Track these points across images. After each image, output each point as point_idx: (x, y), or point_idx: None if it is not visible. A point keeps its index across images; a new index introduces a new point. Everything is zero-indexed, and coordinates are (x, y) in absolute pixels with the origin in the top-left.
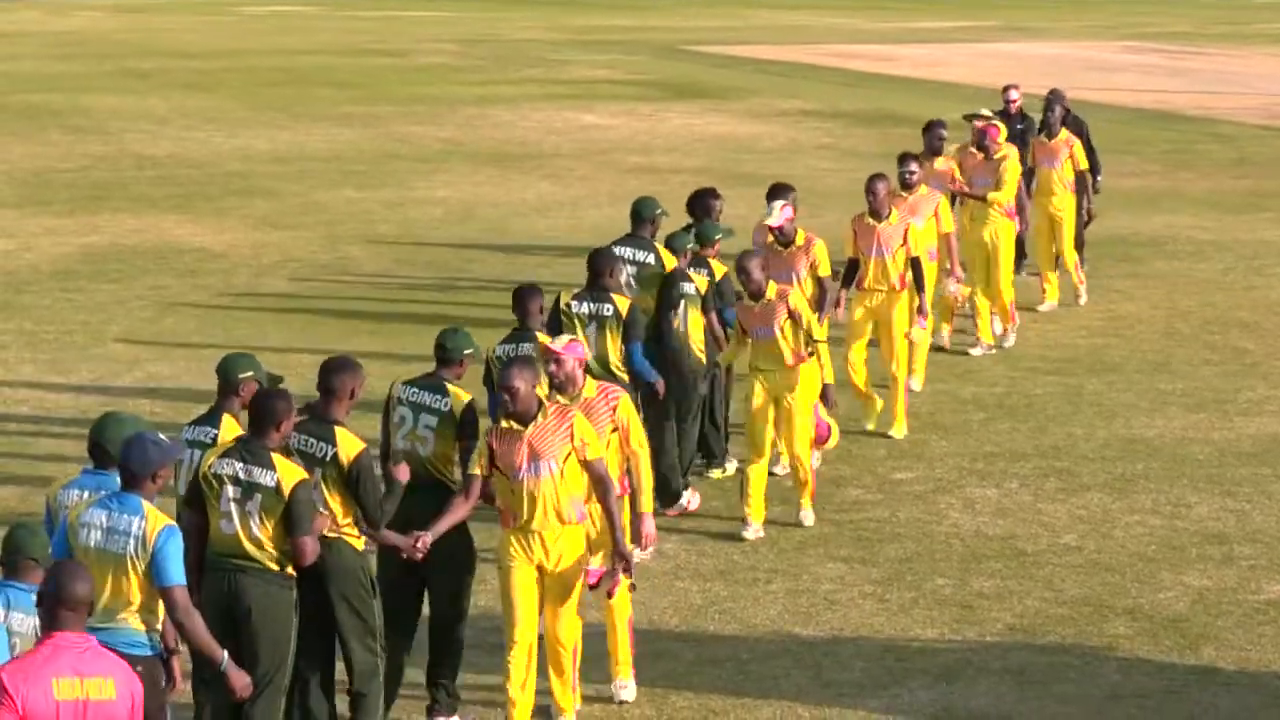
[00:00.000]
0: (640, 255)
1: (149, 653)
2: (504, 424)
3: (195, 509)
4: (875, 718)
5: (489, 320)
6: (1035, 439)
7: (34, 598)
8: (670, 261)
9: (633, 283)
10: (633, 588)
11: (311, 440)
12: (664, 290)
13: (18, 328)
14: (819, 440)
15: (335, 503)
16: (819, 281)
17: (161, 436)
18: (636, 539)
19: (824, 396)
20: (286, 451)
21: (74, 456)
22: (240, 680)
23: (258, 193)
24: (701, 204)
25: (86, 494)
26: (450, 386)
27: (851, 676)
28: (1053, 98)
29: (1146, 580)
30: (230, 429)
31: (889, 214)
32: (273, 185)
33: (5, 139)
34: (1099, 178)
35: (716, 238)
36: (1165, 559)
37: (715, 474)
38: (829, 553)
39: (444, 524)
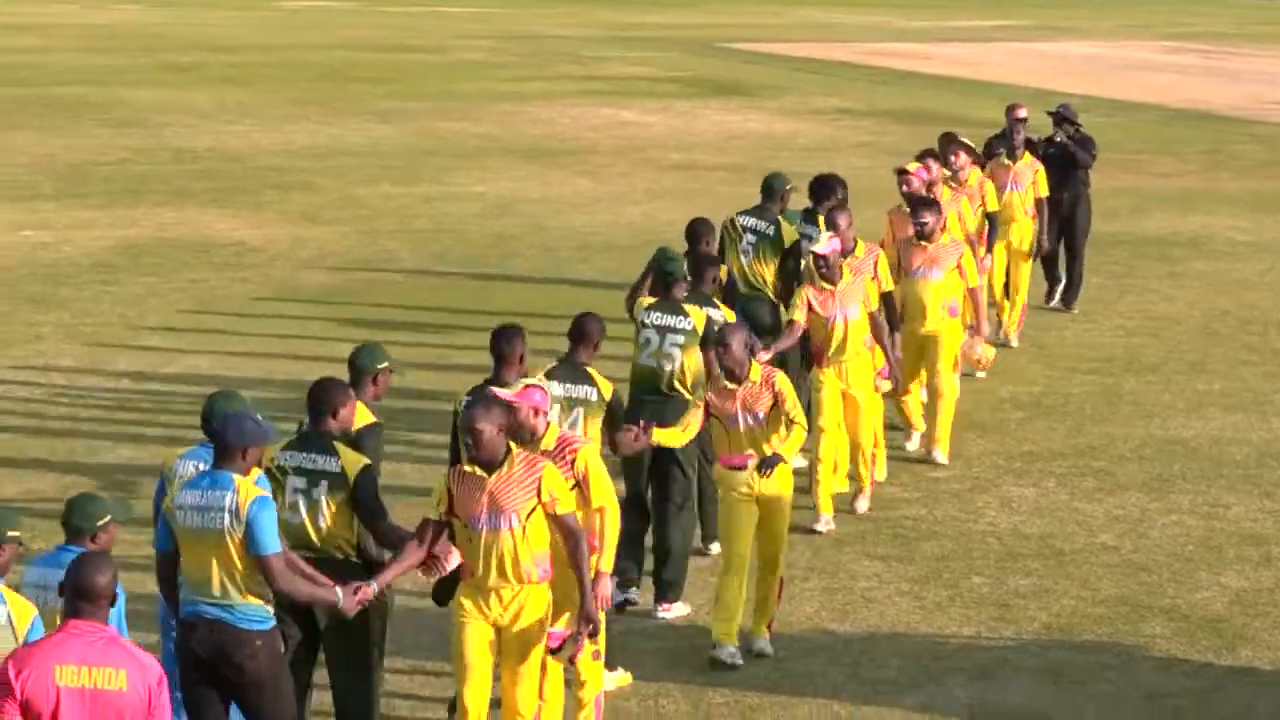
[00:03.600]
0: (762, 226)
1: (269, 625)
2: (466, 468)
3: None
4: (912, 715)
5: (527, 313)
6: (1072, 438)
7: None
8: (791, 235)
9: (750, 250)
10: (596, 655)
11: (315, 457)
12: (784, 261)
13: (56, 320)
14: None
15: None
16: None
17: (260, 418)
18: (597, 602)
19: (766, 463)
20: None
21: (110, 448)
22: (362, 594)
23: (296, 187)
24: (825, 188)
25: (201, 465)
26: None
27: (888, 674)
28: (1060, 114)
29: (1184, 580)
30: (363, 417)
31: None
32: (311, 180)
33: (44, 132)
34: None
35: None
36: (1202, 559)
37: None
38: (866, 550)
39: (391, 573)
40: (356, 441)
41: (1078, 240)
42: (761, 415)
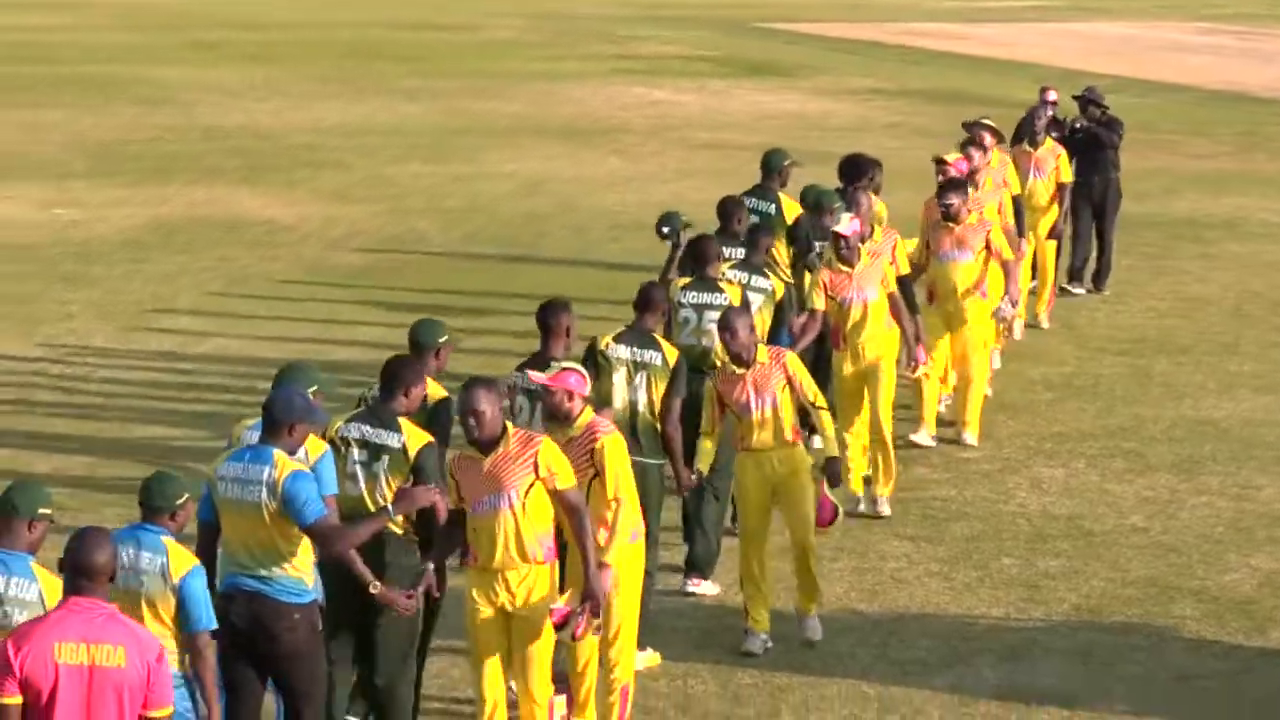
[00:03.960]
0: (764, 205)
1: (308, 599)
2: (465, 453)
3: None
4: (941, 696)
5: (558, 291)
6: (1103, 419)
7: (163, 540)
8: (793, 210)
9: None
10: (597, 630)
11: (379, 431)
12: (790, 238)
13: (87, 298)
14: (821, 522)
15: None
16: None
17: (310, 395)
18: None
19: (827, 472)
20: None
21: (141, 426)
22: (402, 602)
23: (326, 165)
24: (856, 169)
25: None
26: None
27: (917, 655)
28: (1086, 96)
29: (1213, 562)
30: (435, 391)
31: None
32: (341, 158)
33: (75, 110)
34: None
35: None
36: (1232, 541)
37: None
38: (896, 531)
39: (435, 559)
40: (431, 416)
41: (1107, 224)
42: (774, 398)
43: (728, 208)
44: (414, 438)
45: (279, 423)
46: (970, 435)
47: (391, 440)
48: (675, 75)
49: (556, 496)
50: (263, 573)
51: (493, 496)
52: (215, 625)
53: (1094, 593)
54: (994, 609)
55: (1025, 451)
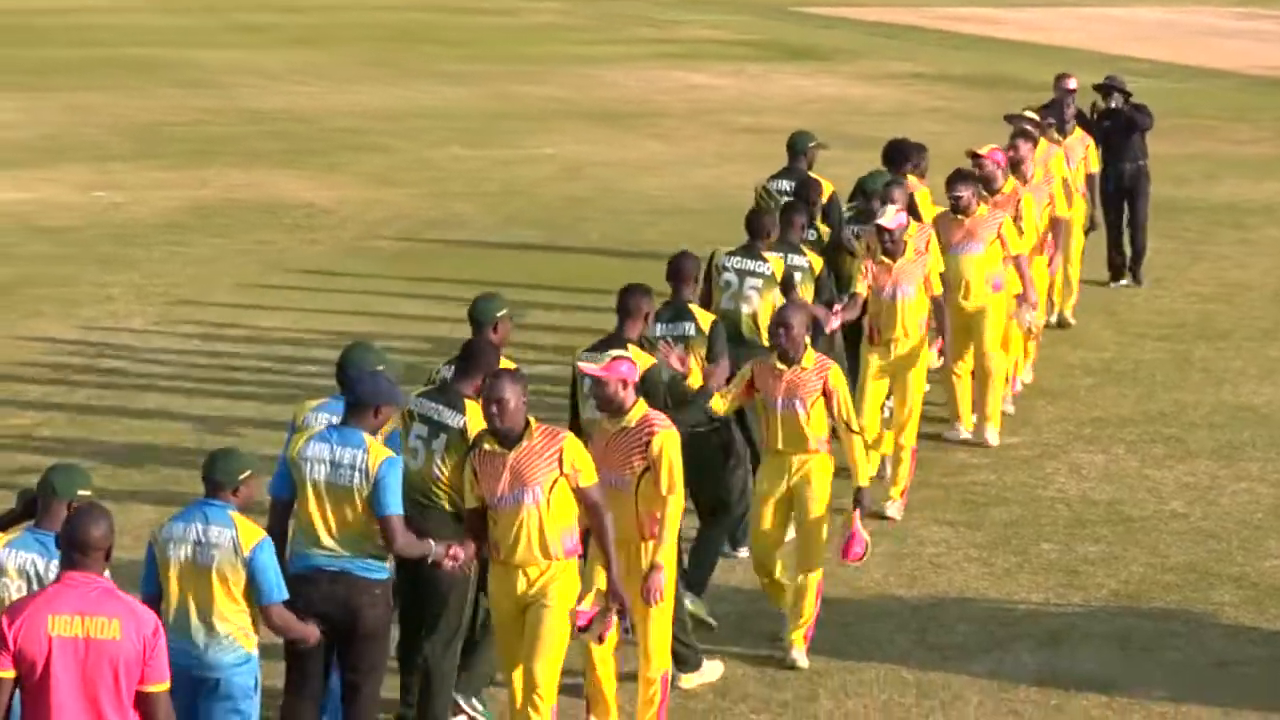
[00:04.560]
0: (788, 186)
1: (387, 575)
2: (486, 445)
3: None
4: (980, 681)
5: (598, 275)
6: (1143, 405)
7: (230, 514)
8: (826, 188)
9: (792, 212)
10: (626, 632)
11: (442, 409)
12: (823, 211)
13: (127, 280)
14: (848, 555)
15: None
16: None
17: (392, 377)
18: (645, 594)
19: (857, 502)
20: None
21: (182, 407)
22: (464, 551)
23: (367, 148)
24: (899, 154)
25: (334, 418)
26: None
27: (955, 640)
28: (1109, 84)
29: (1253, 548)
30: (473, 414)
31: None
32: (382, 141)
33: (116, 92)
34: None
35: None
36: (1273, 527)
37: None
38: (934, 516)
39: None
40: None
41: (1139, 212)
42: (803, 406)
43: (754, 222)
44: (476, 420)
45: (365, 405)
46: (992, 432)
47: (453, 420)
48: (714, 59)
49: (578, 494)
50: (346, 553)
51: (516, 491)
52: (287, 596)
53: (1133, 578)
54: (1033, 594)
55: (1064, 437)
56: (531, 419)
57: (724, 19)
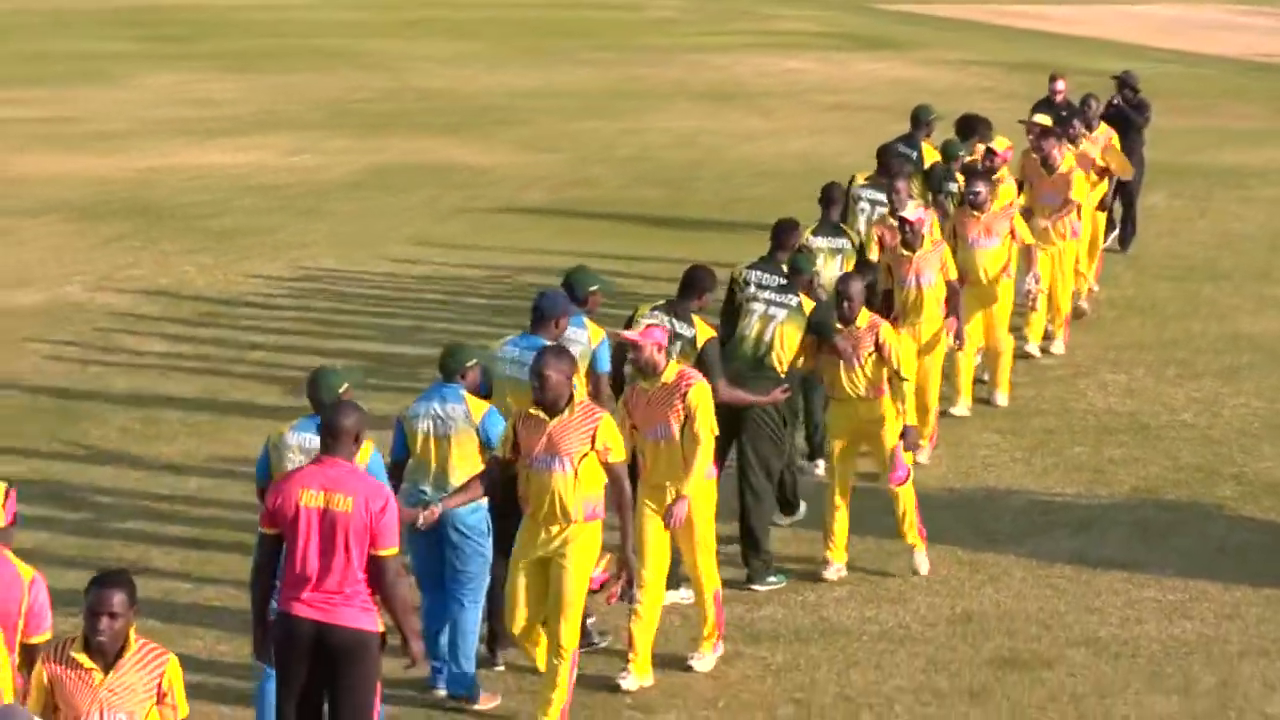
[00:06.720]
0: (908, 152)
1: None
2: (531, 410)
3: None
4: (1023, 561)
5: (709, 223)
6: (1158, 333)
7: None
8: (931, 157)
9: (832, 192)
10: (631, 600)
11: (678, 322)
12: (927, 174)
13: (322, 228)
14: (894, 480)
15: None
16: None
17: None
18: (666, 519)
19: (904, 437)
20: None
21: (371, 336)
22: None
23: (516, 122)
24: (968, 127)
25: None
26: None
27: (1002, 526)
28: (1123, 79)
29: (1250, 451)
30: (595, 335)
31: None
32: (529, 116)
33: (308, 75)
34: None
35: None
36: (1266, 435)
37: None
38: (985, 425)
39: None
40: (700, 356)
41: (1133, 191)
42: (860, 359)
43: (831, 194)
44: (703, 331)
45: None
46: (1001, 396)
47: (686, 331)
48: (805, 48)
49: (606, 468)
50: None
51: (548, 457)
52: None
53: (1150, 476)
54: (1067, 489)
55: (1093, 360)
56: (575, 394)
57: (813, 14)
